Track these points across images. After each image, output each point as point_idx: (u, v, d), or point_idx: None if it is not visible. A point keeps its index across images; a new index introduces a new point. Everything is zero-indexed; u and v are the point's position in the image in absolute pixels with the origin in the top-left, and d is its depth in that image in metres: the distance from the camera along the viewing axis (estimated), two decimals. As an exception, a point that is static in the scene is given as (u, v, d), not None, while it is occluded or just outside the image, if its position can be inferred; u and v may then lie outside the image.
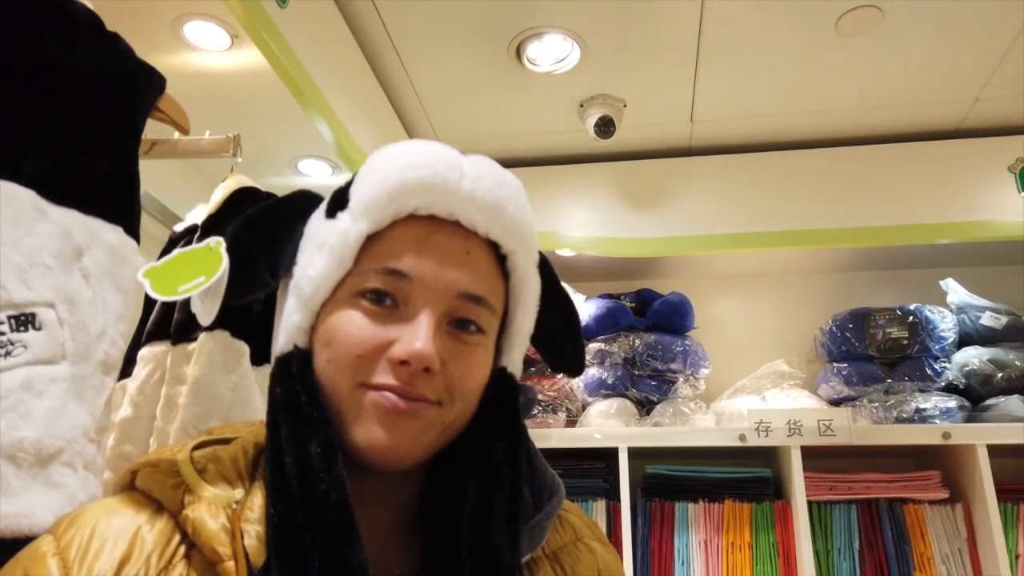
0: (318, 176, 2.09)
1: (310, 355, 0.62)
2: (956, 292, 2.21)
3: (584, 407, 2.24)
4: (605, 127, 2.05)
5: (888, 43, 1.87)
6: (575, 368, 0.78)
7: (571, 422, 2.21)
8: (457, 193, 0.62)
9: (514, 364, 0.69)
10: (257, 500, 0.59)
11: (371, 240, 0.62)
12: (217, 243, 0.66)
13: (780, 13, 1.76)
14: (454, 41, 1.86)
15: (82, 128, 0.83)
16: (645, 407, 2.23)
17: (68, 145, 0.81)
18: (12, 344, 0.70)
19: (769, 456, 2.20)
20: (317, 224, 0.66)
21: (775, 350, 2.44)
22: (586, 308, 2.34)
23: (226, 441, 0.65)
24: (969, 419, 2.05)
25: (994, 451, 1.96)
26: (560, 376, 2.22)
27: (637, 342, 2.23)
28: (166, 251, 1.39)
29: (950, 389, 2.12)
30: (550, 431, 2.13)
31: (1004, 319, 2.12)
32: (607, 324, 2.28)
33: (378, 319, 0.61)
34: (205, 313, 0.65)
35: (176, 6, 1.42)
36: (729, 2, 1.72)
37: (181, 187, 1.75)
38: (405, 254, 0.61)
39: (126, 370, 1.29)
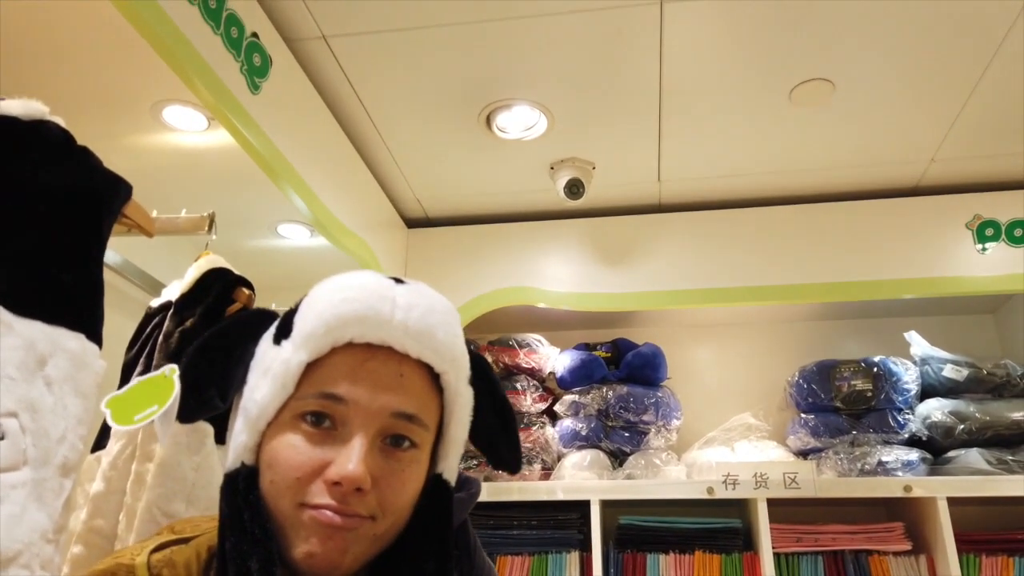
0: (297, 239, 2.17)
1: (256, 472, 0.68)
2: (919, 344, 2.27)
3: (559, 458, 2.29)
4: (574, 189, 2.13)
5: (841, 112, 1.95)
6: (512, 466, 0.85)
7: (546, 473, 2.26)
8: (389, 323, 0.69)
9: (450, 470, 0.75)
10: None
11: (312, 366, 0.68)
12: (172, 371, 0.73)
13: (735, 83, 1.84)
14: (427, 111, 1.94)
15: (49, 243, 0.90)
16: (618, 458, 2.28)
17: (35, 259, 0.88)
18: (-25, 455, 0.76)
19: (740, 506, 2.24)
20: (265, 348, 0.73)
21: (747, 398, 2.50)
22: (561, 360, 2.40)
23: (185, 540, 0.71)
24: (931, 471, 2.10)
25: (955, 502, 2.01)
26: (535, 428, 2.28)
27: (610, 394, 2.29)
28: (143, 326, 1.46)
29: (913, 441, 2.17)
30: (525, 484, 2.18)
31: (965, 371, 2.17)
32: (581, 376, 2.34)
33: (316, 440, 0.67)
34: (162, 434, 0.72)
35: (155, 93, 1.51)
36: (686, 71, 1.80)
37: (166, 258, 1.82)
38: (342, 380, 0.68)
39: (100, 443, 1.36)
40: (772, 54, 1.74)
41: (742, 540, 2.11)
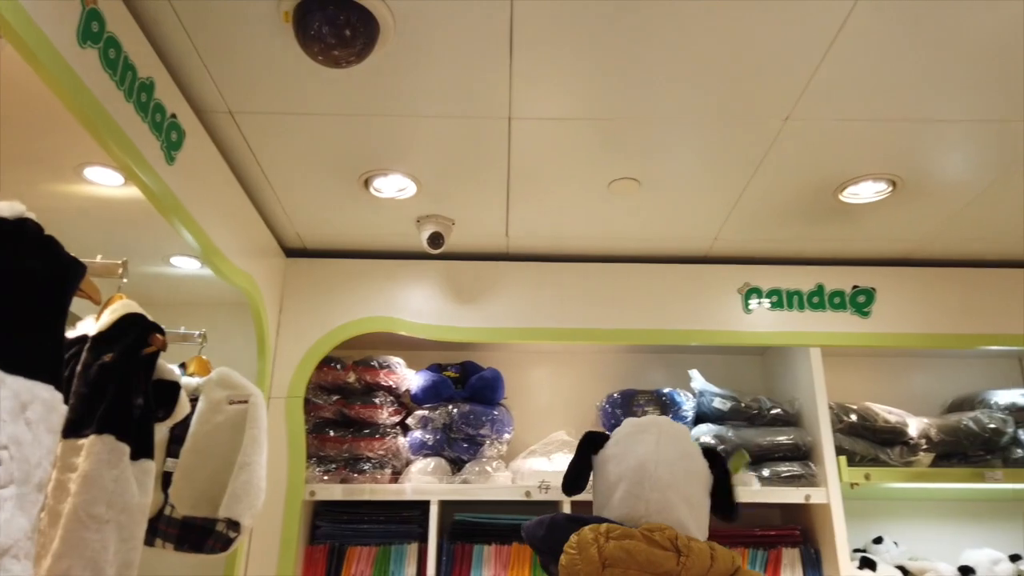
0: (188, 268, 2.46)
1: None
2: (697, 380, 2.88)
3: (408, 464, 2.71)
4: (436, 241, 2.54)
5: (647, 201, 2.49)
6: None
7: (395, 477, 2.66)
8: None
9: None
10: None
11: None
12: None
13: (567, 175, 2.33)
14: (314, 171, 2.29)
15: (28, 315, 1.20)
16: (457, 465, 2.72)
17: (19, 327, 1.19)
18: (-17, 478, 1.08)
19: (555, 506, 2.75)
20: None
21: (569, 416, 3.03)
22: (416, 380, 2.82)
23: None
24: (697, 481, 2.70)
25: (712, 506, 2.62)
26: (388, 437, 2.68)
27: (455, 411, 2.72)
28: (57, 353, 1.72)
29: (689, 456, 2.77)
30: (376, 486, 2.58)
31: (729, 403, 2.80)
32: (431, 395, 2.77)
33: None
34: None
35: (78, 155, 1.77)
36: (529, 163, 2.26)
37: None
38: None
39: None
40: (595, 159, 2.24)
41: (551, 533, 2.61)
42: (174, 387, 1.72)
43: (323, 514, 2.63)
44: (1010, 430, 2.72)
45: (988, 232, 2.72)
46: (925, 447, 2.70)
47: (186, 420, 1.93)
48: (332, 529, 2.59)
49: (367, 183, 2.36)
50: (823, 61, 1.81)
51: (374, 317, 2.74)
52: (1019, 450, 2.73)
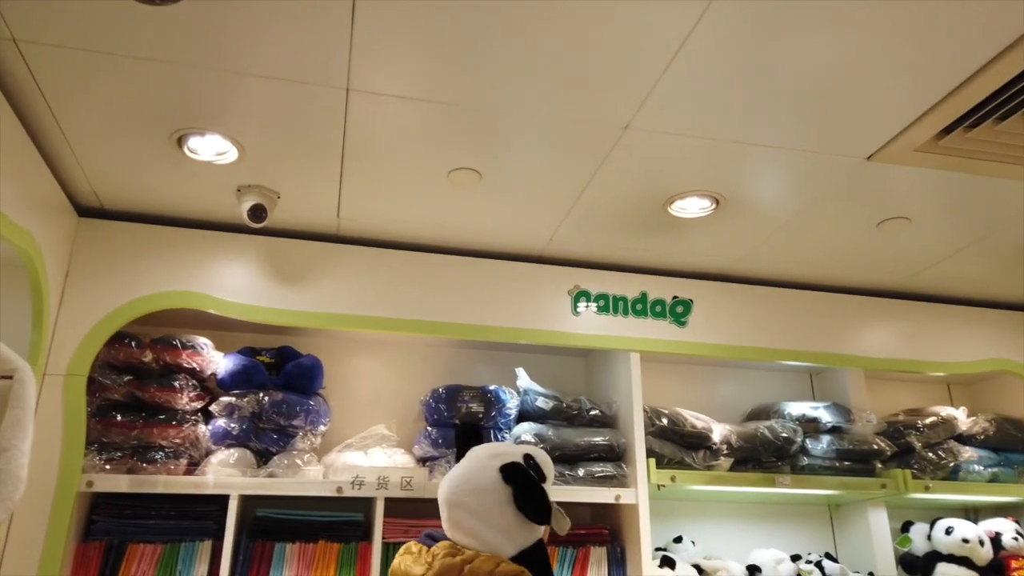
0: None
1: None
2: (523, 378, 2.88)
3: (208, 454, 2.47)
4: (257, 214, 2.34)
5: (487, 194, 2.45)
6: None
7: (191, 468, 2.42)
8: None
9: None
10: None
11: None
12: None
13: (406, 159, 2.23)
14: (117, 122, 2.01)
15: None
16: (265, 457, 2.53)
17: None
18: None
19: (368, 502, 2.63)
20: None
21: (391, 409, 2.92)
22: (224, 363, 2.58)
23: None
24: (514, 479, 2.69)
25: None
26: (187, 424, 2.43)
27: (266, 399, 2.52)
28: None
29: (508, 454, 2.76)
30: (170, 478, 2.32)
31: (551, 403, 2.82)
32: (241, 381, 2.55)
33: None
34: None
35: None
36: (366, 142, 2.14)
37: None
38: None
39: None
40: (436, 145, 2.16)
41: (361, 531, 2.50)
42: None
43: (102, 507, 2.33)
44: (799, 439, 2.96)
45: (793, 256, 2.94)
46: (726, 452, 2.87)
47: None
48: (111, 524, 2.30)
49: (180, 142, 2.12)
50: (664, 74, 1.84)
51: (180, 292, 2.48)
52: (805, 458, 2.97)
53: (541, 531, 1.49)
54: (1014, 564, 3.08)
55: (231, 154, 2.18)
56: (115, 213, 2.54)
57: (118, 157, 2.21)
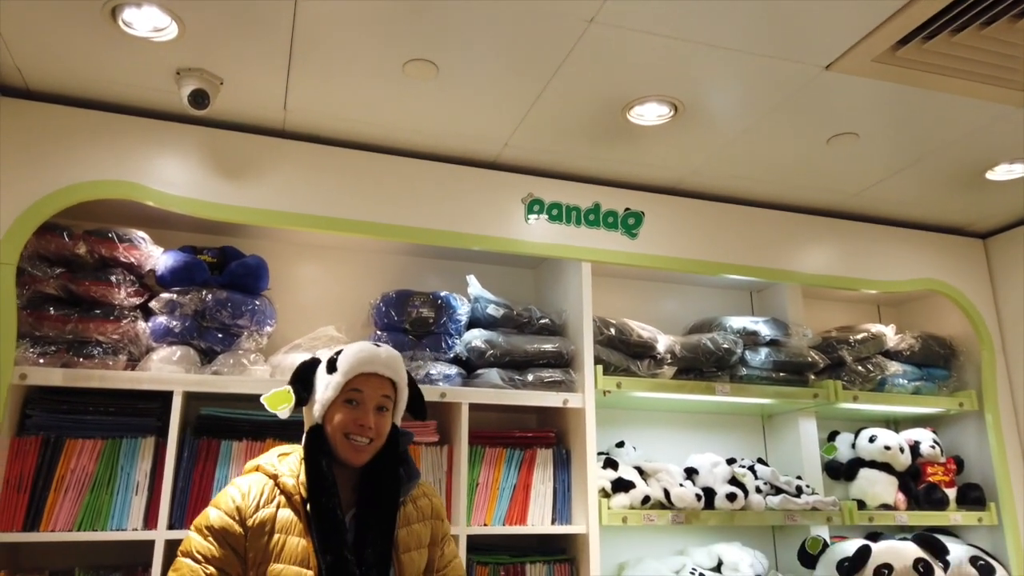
0: None
1: (323, 425, 1.74)
2: (474, 286, 2.87)
3: (149, 351, 2.39)
4: (199, 100, 2.21)
5: (442, 90, 2.37)
6: (421, 415, 1.94)
7: (131, 364, 2.34)
8: (379, 363, 1.78)
9: (398, 421, 1.85)
10: (302, 477, 1.68)
11: (347, 382, 1.74)
12: (288, 388, 1.79)
13: (360, 47, 2.12)
14: (41, -17, 1.85)
15: None
16: (208, 356, 2.47)
17: None
18: None
19: (314, 404, 2.61)
20: (322, 374, 1.79)
21: (338, 313, 2.87)
22: (164, 260, 2.48)
23: (288, 454, 1.78)
24: (464, 383, 2.71)
25: (476, 408, 2.64)
26: (125, 321, 2.33)
27: (209, 297, 2.44)
28: None
29: (458, 360, 2.77)
30: (107, 373, 2.25)
31: (502, 311, 2.83)
32: (182, 278, 2.45)
33: (350, 411, 1.74)
34: (285, 416, 1.79)
35: None
36: (317, 25, 2.02)
37: None
38: (361, 386, 1.75)
39: None
40: (391, 31, 2.06)
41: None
42: None
43: (36, 401, 2.24)
44: (739, 351, 3.06)
45: (743, 171, 2.97)
46: (670, 361, 2.95)
47: None
48: (47, 419, 2.22)
49: (115, 13, 1.96)
50: (633, -41, 1.78)
51: (114, 181, 2.35)
52: (744, 369, 3.08)
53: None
54: (929, 470, 3.30)
55: (171, 30, 2.04)
56: (42, 94, 2.36)
57: (44, 30, 2.04)
